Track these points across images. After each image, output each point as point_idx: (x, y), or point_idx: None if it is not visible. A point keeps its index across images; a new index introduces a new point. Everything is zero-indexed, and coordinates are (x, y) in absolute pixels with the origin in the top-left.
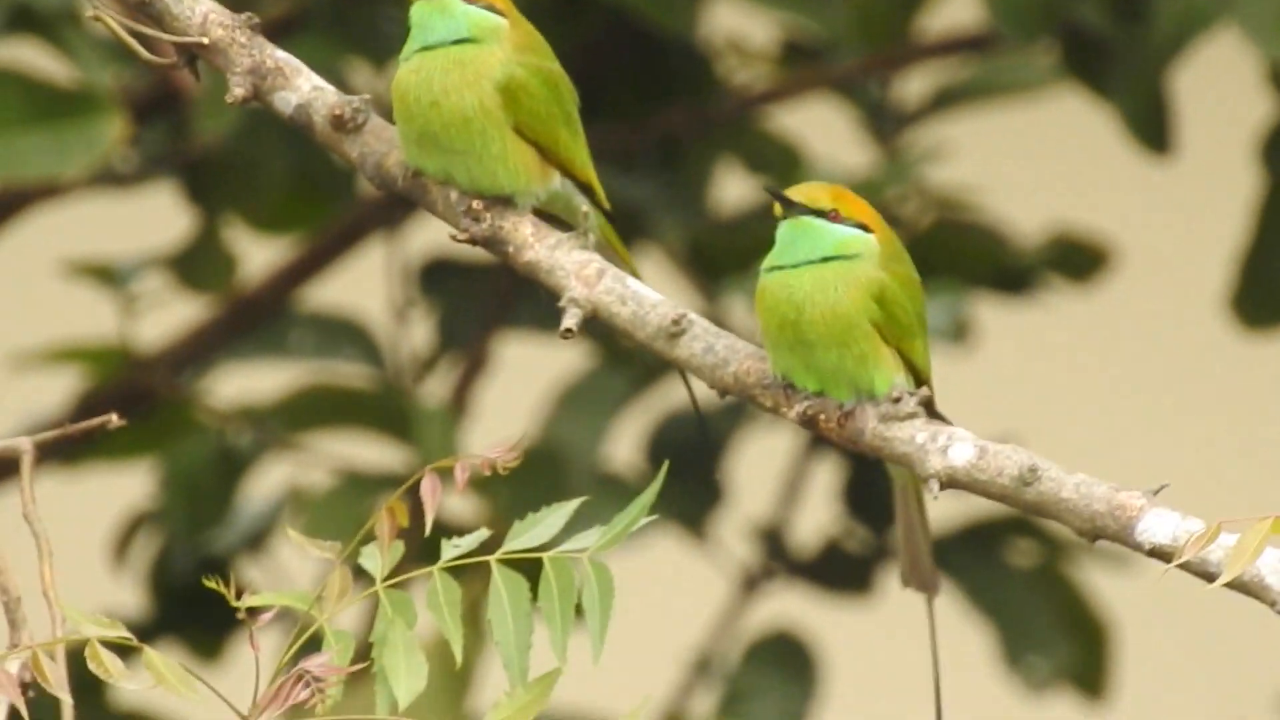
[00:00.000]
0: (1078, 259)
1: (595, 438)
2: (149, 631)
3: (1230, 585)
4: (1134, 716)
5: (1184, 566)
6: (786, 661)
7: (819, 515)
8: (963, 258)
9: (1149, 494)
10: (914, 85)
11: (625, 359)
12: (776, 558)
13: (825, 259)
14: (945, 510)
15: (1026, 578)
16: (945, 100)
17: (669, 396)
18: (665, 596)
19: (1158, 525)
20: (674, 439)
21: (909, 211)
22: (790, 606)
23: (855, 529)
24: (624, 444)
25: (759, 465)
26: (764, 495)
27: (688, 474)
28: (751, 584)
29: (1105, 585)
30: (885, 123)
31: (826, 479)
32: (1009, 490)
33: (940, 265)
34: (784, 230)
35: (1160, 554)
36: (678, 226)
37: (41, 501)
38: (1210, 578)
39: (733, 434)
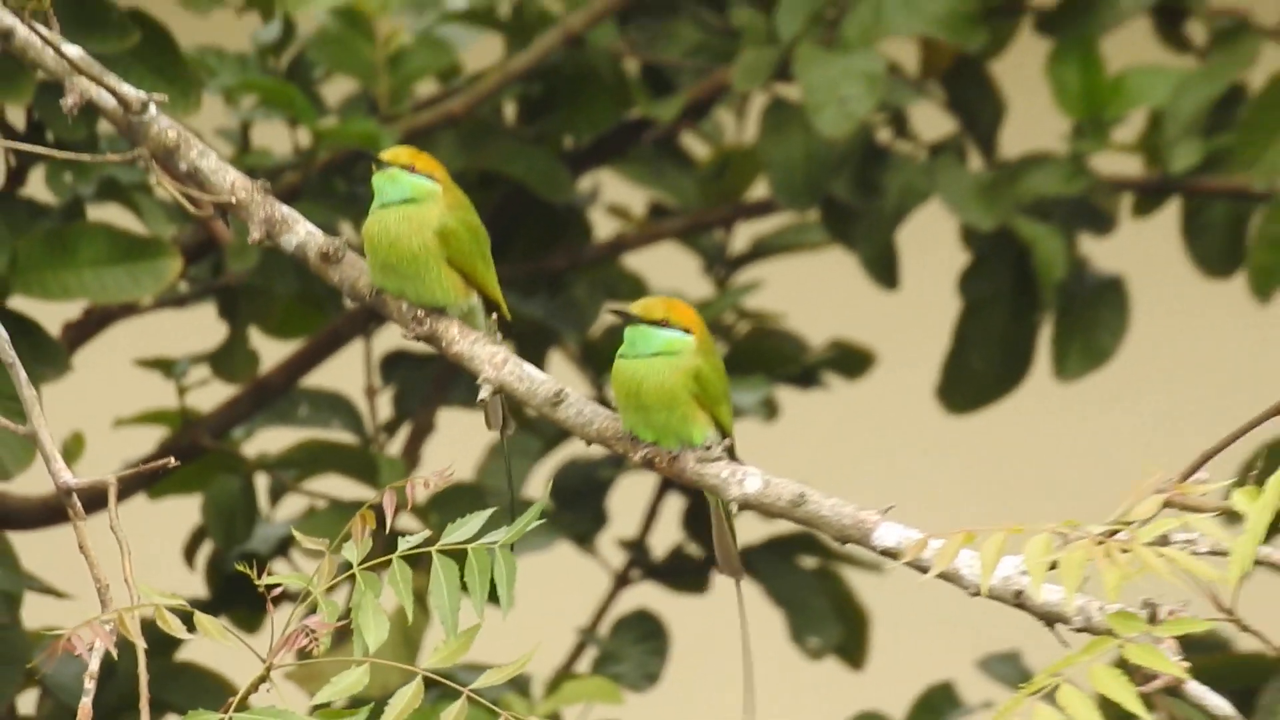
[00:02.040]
0: (849, 360)
1: (518, 479)
2: (208, 610)
3: (941, 576)
4: (879, 678)
5: (909, 564)
6: (645, 634)
7: (669, 532)
8: (769, 358)
9: (882, 512)
10: (738, 239)
11: (535, 427)
12: (639, 562)
13: (655, 354)
14: (753, 529)
15: (809, 577)
16: (760, 251)
17: (567, 451)
18: (562, 590)
19: (887, 534)
20: (570, 482)
21: (733, 324)
22: (648, 596)
23: (692, 542)
24: (535, 486)
25: (629, 498)
26: (633, 519)
27: (580, 505)
28: (622, 581)
29: (864, 582)
30: (719, 265)
31: (674, 507)
32: (786, 509)
33: (753, 364)
34: (628, 333)
35: (890, 554)
36: (574, 336)
37: (133, 523)
38: (925, 570)
39: (613, 478)
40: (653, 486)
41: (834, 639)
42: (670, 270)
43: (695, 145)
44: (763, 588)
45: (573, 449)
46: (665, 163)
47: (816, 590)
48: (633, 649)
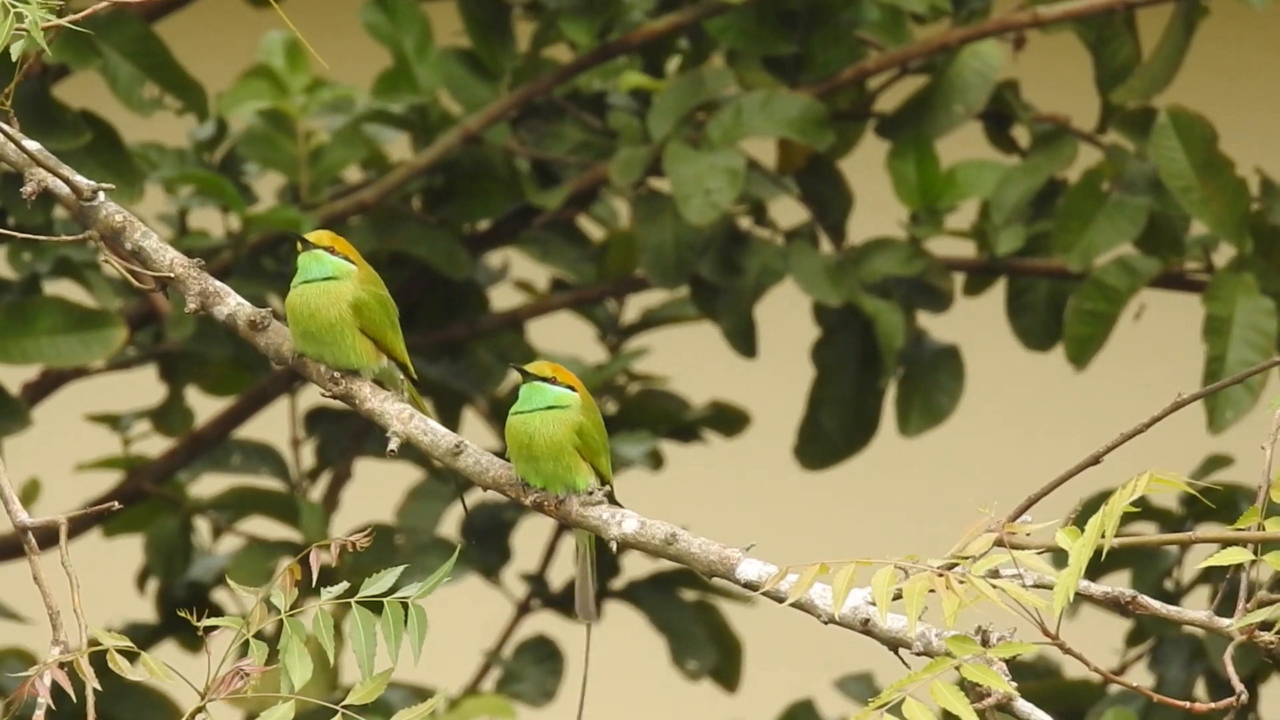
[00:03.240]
0: (726, 419)
1: (432, 520)
2: (156, 632)
3: (796, 605)
4: (750, 697)
5: (768, 594)
6: (543, 656)
7: (566, 568)
8: (655, 415)
9: (744, 550)
10: (628, 311)
11: (448, 475)
12: (539, 593)
13: (548, 408)
14: (639, 565)
15: (688, 608)
16: (647, 323)
17: (476, 495)
18: (471, 617)
19: (749, 569)
20: (479, 522)
21: (624, 385)
22: (546, 623)
23: None
24: (447, 525)
25: (531, 537)
26: (534, 555)
27: (487, 543)
28: (523, 609)
29: (737, 613)
30: (612, 333)
31: (570, 545)
32: (660, 547)
33: (641, 420)
34: (524, 389)
35: (752, 586)
36: (479, 395)
37: (92, 556)
38: (782, 600)
39: (516, 519)
40: (551, 527)
41: (710, 663)
42: (570, 337)
43: (592, 227)
44: (647, 617)
45: (482, 493)
46: (561, 243)
47: (695, 620)
48: (533, 669)
